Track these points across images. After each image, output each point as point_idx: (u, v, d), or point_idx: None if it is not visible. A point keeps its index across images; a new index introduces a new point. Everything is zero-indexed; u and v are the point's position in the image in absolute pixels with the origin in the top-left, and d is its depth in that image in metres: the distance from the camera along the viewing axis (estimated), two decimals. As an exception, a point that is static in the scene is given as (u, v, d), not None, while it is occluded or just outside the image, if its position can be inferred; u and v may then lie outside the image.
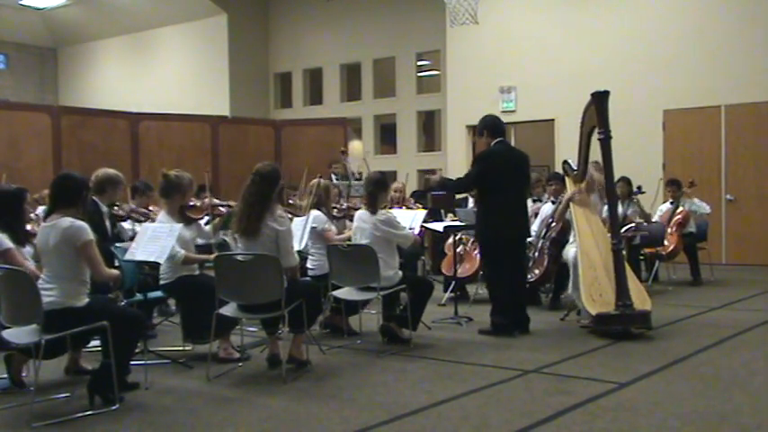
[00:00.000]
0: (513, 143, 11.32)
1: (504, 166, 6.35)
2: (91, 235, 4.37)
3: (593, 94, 6.40)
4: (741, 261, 11.61)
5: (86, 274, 4.43)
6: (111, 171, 6.34)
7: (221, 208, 6.23)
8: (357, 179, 9.03)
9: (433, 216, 8.08)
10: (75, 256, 4.33)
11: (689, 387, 4.63)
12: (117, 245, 5.89)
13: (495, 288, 6.42)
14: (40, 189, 7.81)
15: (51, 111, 11.75)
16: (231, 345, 5.51)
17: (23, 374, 4.79)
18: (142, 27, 19.49)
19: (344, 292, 5.94)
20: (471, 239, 8.27)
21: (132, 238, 5.55)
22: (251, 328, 6.44)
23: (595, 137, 6.44)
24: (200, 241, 5.94)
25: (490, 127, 6.49)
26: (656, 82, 12.32)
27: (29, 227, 5.42)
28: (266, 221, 5.05)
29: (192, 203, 5.84)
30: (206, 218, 6.13)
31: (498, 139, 6.46)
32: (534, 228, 7.65)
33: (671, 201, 9.63)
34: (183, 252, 5.38)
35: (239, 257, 5.03)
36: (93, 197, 5.84)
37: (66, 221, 4.34)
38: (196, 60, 18.63)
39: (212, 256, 5.47)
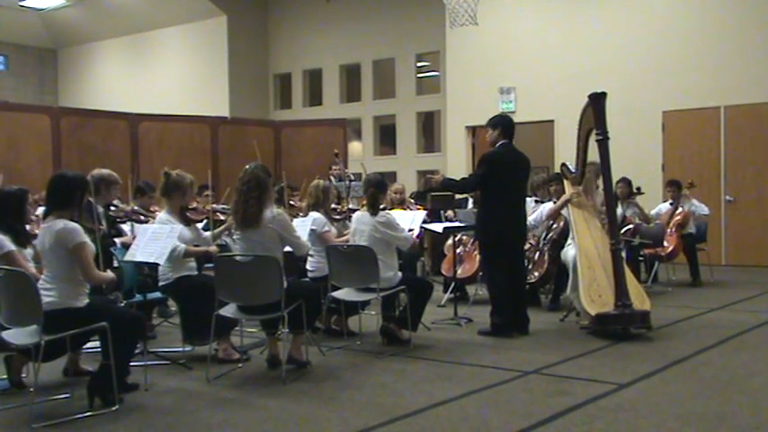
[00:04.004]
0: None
1: (508, 169, 6.40)
2: (83, 237, 4.34)
3: (590, 96, 6.43)
4: (740, 262, 11.62)
5: (86, 275, 4.43)
6: (105, 171, 6.33)
7: (220, 214, 6.23)
8: (352, 180, 9.03)
9: (433, 217, 8.08)
10: (70, 258, 4.32)
11: (688, 388, 4.63)
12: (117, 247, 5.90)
13: (495, 289, 6.43)
14: (39, 190, 7.79)
15: (51, 112, 11.72)
16: (231, 345, 5.51)
17: (23, 375, 4.79)
18: (142, 28, 19.49)
19: (344, 293, 5.95)
20: (471, 240, 8.27)
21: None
22: (250, 329, 6.45)
23: (593, 138, 6.46)
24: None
25: (504, 126, 6.52)
26: (655, 83, 12.33)
27: (29, 227, 5.40)
28: (266, 212, 5.04)
29: (192, 206, 5.84)
30: (203, 221, 6.13)
31: (504, 141, 6.48)
32: (530, 219, 7.51)
33: (671, 201, 9.63)
34: (183, 246, 5.39)
35: (238, 258, 5.04)
36: (89, 198, 5.83)
37: (60, 223, 4.33)
38: (196, 61, 18.62)
39: (213, 248, 5.51)
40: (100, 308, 4.42)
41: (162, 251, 5.01)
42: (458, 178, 7.05)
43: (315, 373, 5.13)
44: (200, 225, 6.02)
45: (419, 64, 16.74)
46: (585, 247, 6.60)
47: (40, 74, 21.64)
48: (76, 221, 4.43)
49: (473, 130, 14.30)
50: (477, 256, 7.87)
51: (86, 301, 4.41)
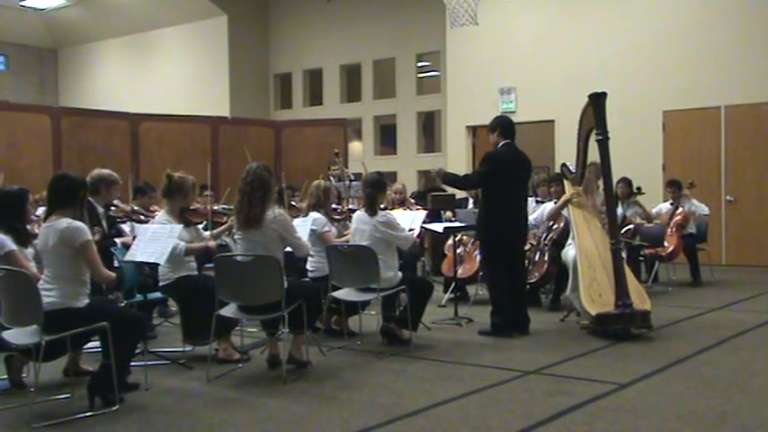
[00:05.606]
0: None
1: (510, 169, 6.40)
2: (89, 235, 4.37)
3: (590, 96, 6.43)
4: (741, 262, 11.61)
5: (86, 275, 4.42)
6: (105, 171, 6.34)
7: (221, 215, 6.23)
8: (352, 180, 9.03)
9: (434, 217, 8.08)
10: (73, 257, 4.33)
11: (689, 388, 4.63)
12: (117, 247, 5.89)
13: (496, 289, 6.43)
14: (40, 190, 7.79)
15: (51, 111, 11.72)
16: (231, 345, 5.51)
17: (23, 375, 4.79)
18: (142, 28, 19.49)
19: (344, 293, 5.95)
20: (471, 240, 8.27)
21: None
22: (250, 329, 6.44)
23: (593, 138, 6.46)
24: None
25: (503, 127, 6.53)
26: (656, 82, 12.33)
27: (29, 227, 5.41)
28: (268, 213, 5.04)
29: (192, 207, 5.84)
30: (203, 223, 6.14)
31: (507, 141, 6.49)
32: (531, 219, 7.53)
33: (671, 201, 9.63)
34: (183, 244, 5.39)
35: (239, 258, 5.04)
36: (89, 198, 5.84)
37: (64, 222, 4.34)
38: (196, 61, 18.62)
39: (213, 243, 5.51)
40: (100, 308, 4.42)
41: (162, 251, 5.01)
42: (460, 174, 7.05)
43: (315, 373, 5.13)
44: (199, 226, 6.01)
45: (419, 64, 16.74)
46: (586, 248, 6.60)
47: (40, 74, 21.63)
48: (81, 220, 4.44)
49: (473, 130, 14.30)
50: (478, 257, 7.87)
51: (87, 301, 4.41)
